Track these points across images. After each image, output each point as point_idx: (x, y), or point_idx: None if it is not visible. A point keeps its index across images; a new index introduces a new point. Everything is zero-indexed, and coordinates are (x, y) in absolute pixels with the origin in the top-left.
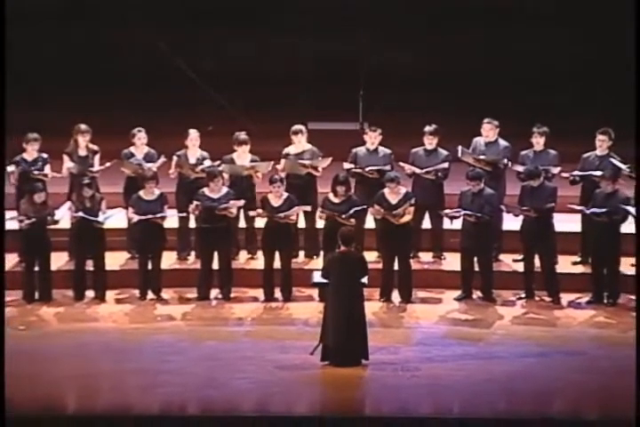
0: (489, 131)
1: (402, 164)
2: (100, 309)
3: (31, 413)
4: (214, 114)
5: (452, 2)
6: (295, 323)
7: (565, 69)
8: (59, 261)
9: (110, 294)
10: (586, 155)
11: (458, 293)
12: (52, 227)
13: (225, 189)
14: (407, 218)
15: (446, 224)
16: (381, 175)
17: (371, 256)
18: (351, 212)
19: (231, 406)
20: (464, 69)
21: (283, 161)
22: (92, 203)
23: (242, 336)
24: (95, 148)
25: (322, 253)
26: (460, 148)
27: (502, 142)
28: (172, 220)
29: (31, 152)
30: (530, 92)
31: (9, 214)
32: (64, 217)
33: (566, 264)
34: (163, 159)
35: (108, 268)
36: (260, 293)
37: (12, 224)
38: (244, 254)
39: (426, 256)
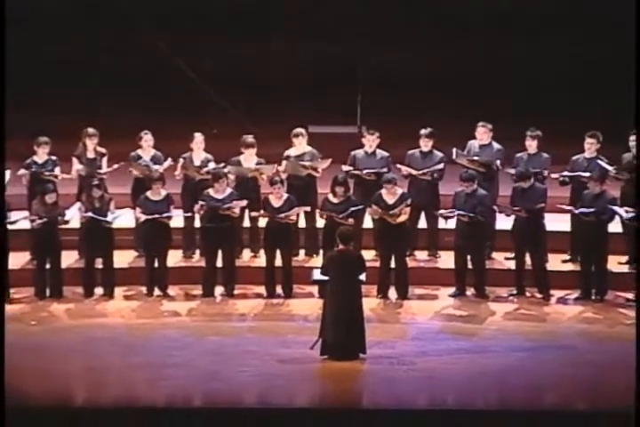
0: (483, 134)
1: (399, 165)
2: (109, 305)
3: (41, 404)
4: (218, 118)
5: (450, 5)
6: (296, 319)
7: (565, 70)
8: (69, 259)
9: (118, 291)
10: (575, 157)
11: (452, 289)
12: (63, 226)
13: (229, 190)
14: (403, 218)
15: (441, 224)
16: (379, 177)
17: (368, 255)
18: (348, 211)
19: (234, 398)
20: (462, 74)
21: (284, 163)
22: (101, 203)
23: (245, 331)
24: (103, 150)
25: (321, 251)
26: (454, 150)
27: (496, 145)
28: (177, 219)
29: (42, 155)
30: (529, 95)
31: (21, 214)
32: (74, 217)
33: (556, 262)
34: (169, 161)
35: (116, 266)
36: (262, 290)
37: (24, 224)
38: (247, 253)
39: (421, 254)
